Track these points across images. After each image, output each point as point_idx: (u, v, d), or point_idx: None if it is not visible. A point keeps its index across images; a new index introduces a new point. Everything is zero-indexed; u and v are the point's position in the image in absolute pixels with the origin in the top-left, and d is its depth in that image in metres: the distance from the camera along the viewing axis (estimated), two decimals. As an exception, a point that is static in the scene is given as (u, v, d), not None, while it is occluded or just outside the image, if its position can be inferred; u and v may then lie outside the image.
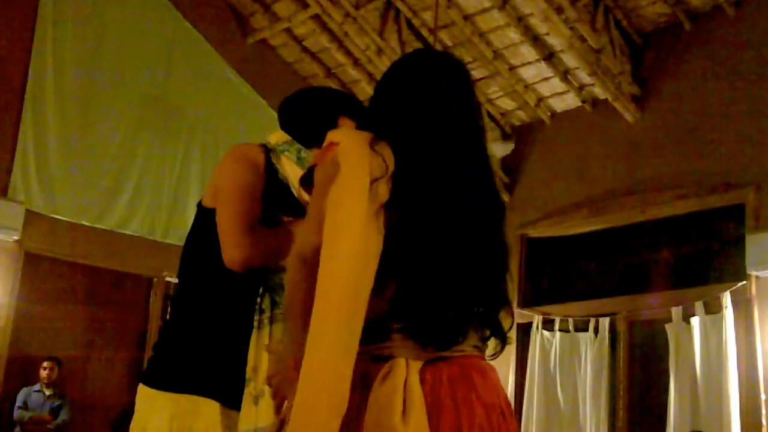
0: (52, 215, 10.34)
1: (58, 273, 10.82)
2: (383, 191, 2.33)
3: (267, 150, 3.30)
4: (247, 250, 3.06)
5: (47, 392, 10.30)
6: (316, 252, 2.28)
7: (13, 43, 10.38)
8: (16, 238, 10.00)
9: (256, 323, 3.14)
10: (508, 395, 2.78)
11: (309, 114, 3.40)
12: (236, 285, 3.12)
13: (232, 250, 3.06)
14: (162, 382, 3.11)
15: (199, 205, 3.29)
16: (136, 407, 3.18)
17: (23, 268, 10.22)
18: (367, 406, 2.26)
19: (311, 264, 2.30)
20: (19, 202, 10.00)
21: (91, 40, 10.93)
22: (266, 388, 3.03)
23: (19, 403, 10.18)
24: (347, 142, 2.39)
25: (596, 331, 9.86)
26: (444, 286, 2.34)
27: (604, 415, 9.59)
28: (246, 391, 3.08)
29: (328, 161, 2.37)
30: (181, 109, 11.45)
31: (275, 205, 3.25)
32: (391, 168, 2.35)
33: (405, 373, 2.29)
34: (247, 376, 3.09)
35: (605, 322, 9.82)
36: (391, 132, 2.45)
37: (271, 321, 3.17)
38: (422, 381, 2.29)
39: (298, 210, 3.29)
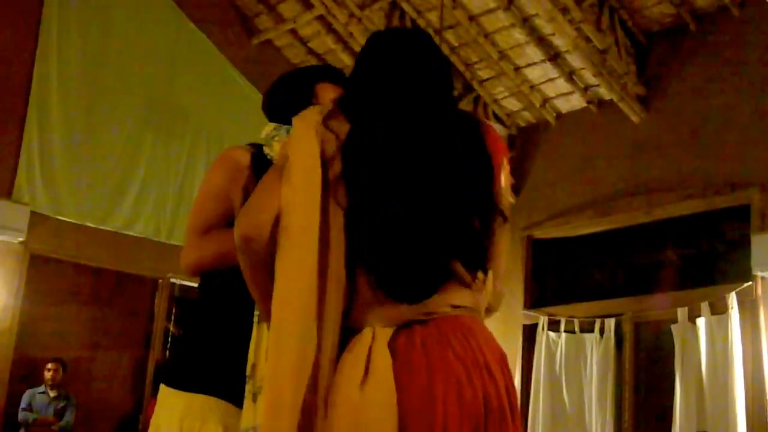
0: (57, 217, 10.34)
1: (63, 274, 10.83)
2: (337, 166, 2.37)
3: (257, 147, 3.27)
4: (195, 253, 3.07)
5: (52, 394, 10.31)
6: (263, 229, 2.32)
7: (18, 45, 10.39)
8: (21, 239, 10.01)
9: (256, 318, 3.08)
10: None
11: (288, 91, 3.40)
12: (241, 282, 3.11)
13: (182, 255, 3.09)
14: (176, 382, 3.10)
15: None
16: (156, 406, 3.17)
17: (28, 270, 10.23)
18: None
19: (261, 242, 2.33)
20: (24, 204, 10.01)
21: (95, 41, 10.93)
22: (263, 386, 2.98)
23: (23, 404, 10.19)
24: (296, 127, 2.45)
25: (602, 332, 9.85)
26: (406, 236, 2.33)
27: (609, 416, 9.58)
28: (246, 388, 3.04)
29: (280, 154, 2.46)
30: (185, 111, 11.45)
31: None
32: (342, 140, 2.39)
33: (369, 342, 2.28)
34: (247, 372, 3.05)
35: (611, 323, 9.80)
36: (351, 101, 2.51)
37: None
38: (394, 347, 2.26)
39: None
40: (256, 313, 3.08)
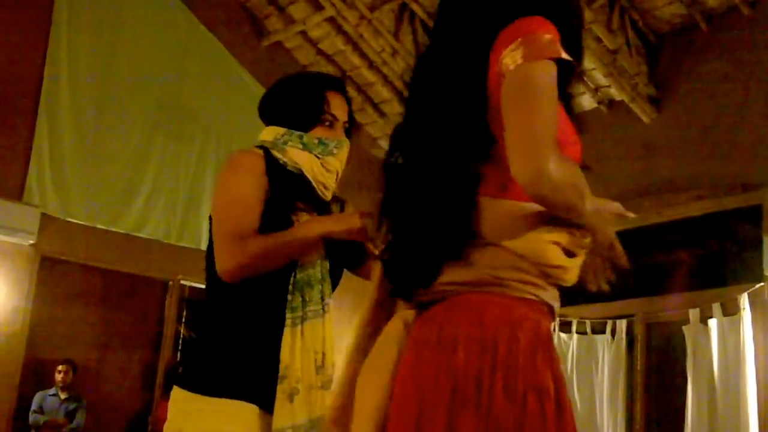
0: (67, 219, 10.35)
1: (73, 276, 10.84)
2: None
3: (266, 150, 3.27)
4: (236, 259, 3.03)
5: (62, 395, 10.32)
6: None
7: (28, 47, 10.40)
8: (31, 241, 10.02)
9: (289, 321, 3.12)
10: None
11: (299, 97, 3.38)
12: (264, 285, 3.10)
13: (221, 261, 3.06)
14: (201, 386, 3.08)
15: (210, 216, 3.28)
16: (171, 410, 3.14)
17: (38, 272, 10.24)
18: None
19: None
20: (34, 206, 10.02)
21: (105, 43, 10.94)
22: (300, 386, 3.06)
23: (34, 406, 10.20)
24: None
25: (613, 333, 9.83)
26: (401, 229, 2.40)
27: (621, 417, 9.56)
28: (280, 388, 3.06)
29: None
30: (195, 112, 11.45)
31: (287, 202, 3.21)
32: None
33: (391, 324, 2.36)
34: (280, 374, 3.07)
35: (622, 324, 9.78)
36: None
37: (303, 320, 3.16)
38: (410, 329, 2.31)
39: (314, 199, 3.30)
40: (289, 316, 3.12)
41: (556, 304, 2.33)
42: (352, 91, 11.60)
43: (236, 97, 11.61)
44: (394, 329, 2.33)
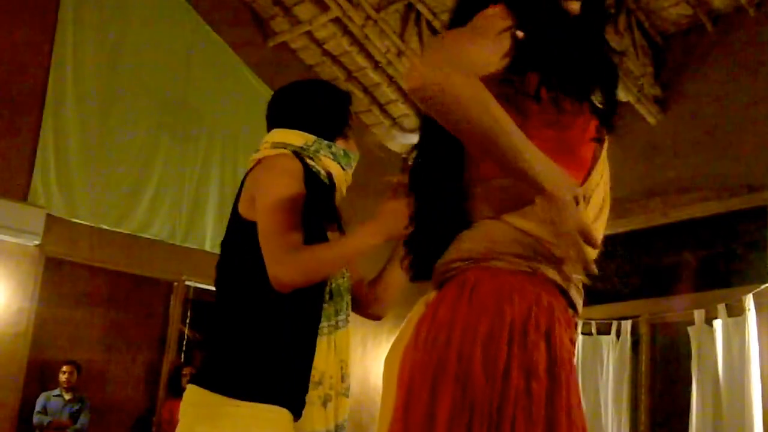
0: (72, 219, 10.34)
1: (78, 277, 10.85)
2: None
3: (299, 156, 3.26)
4: (292, 270, 3.00)
5: (67, 396, 10.31)
6: None
7: (34, 47, 10.40)
8: (36, 242, 10.01)
9: (325, 329, 3.19)
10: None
11: (329, 108, 3.41)
12: (301, 292, 3.09)
13: (276, 270, 3.00)
14: (230, 388, 3.05)
15: (238, 214, 3.22)
16: (189, 411, 3.11)
17: (43, 273, 10.23)
18: None
19: None
20: (39, 207, 10.01)
21: (111, 44, 10.94)
22: (333, 392, 3.16)
23: (38, 407, 10.19)
24: None
25: (618, 334, 9.82)
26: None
27: (625, 418, 9.56)
28: (314, 394, 3.13)
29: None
30: (200, 113, 11.45)
31: (322, 211, 3.24)
32: None
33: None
34: (316, 379, 3.14)
35: (627, 325, 9.77)
36: None
37: (336, 328, 3.23)
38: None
39: (333, 214, 3.32)
40: (325, 324, 3.20)
41: (567, 285, 2.28)
42: (357, 92, 11.66)
43: (242, 97, 11.61)
44: (415, 311, 2.35)
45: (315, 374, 3.14)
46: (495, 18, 2.22)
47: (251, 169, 3.27)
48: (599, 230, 2.43)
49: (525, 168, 2.05)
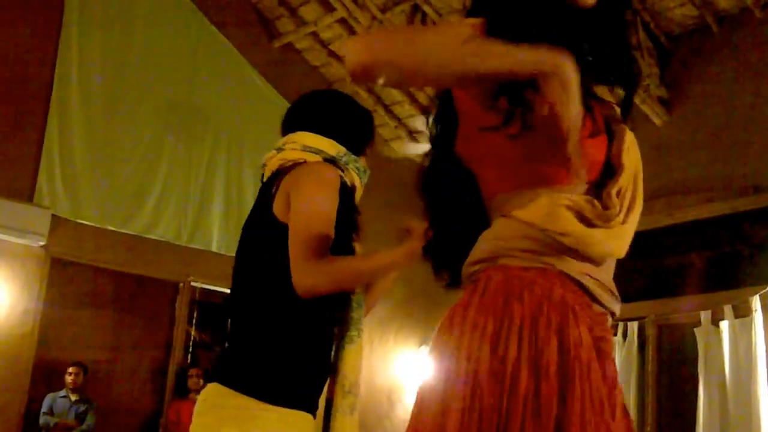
0: (77, 220, 10.35)
1: (84, 278, 10.85)
2: None
3: (335, 164, 3.30)
4: (314, 277, 3.03)
5: (73, 398, 10.31)
6: None
7: (39, 48, 10.40)
8: (42, 243, 10.02)
9: (356, 337, 3.25)
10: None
11: (362, 124, 3.53)
12: (326, 300, 3.14)
13: (301, 276, 3.04)
14: (259, 391, 3.07)
15: (273, 215, 3.21)
16: (213, 409, 3.11)
17: (49, 273, 10.24)
18: None
19: None
20: (44, 208, 10.02)
21: (116, 44, 10.95)
22: (358, 401, 3.22)
23: (44, 408, 10.19)
24: None
25: (625, 335, 9.80)
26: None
27: (632, 418, 9.53)
28: (345, 402, 3.18)
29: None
30: (206, 114, 11.45)
31: (352, 222, 3.31)
32: None
33: None
34: (345, 389, 3.19)
35: (634, 326, 9.75)
36: None
37: (358, 337, 3.28)
38: None
39: (357, 226, 3.36)
40: (355, 332, 3.25)
41: (585, 279, 2.21)
42: (363, 93, 11.66)
43: (247, 98, 11.63)
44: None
45: (345, 383, 3.19)
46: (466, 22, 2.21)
47: (286, 170, 3.28)
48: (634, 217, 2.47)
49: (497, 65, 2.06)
